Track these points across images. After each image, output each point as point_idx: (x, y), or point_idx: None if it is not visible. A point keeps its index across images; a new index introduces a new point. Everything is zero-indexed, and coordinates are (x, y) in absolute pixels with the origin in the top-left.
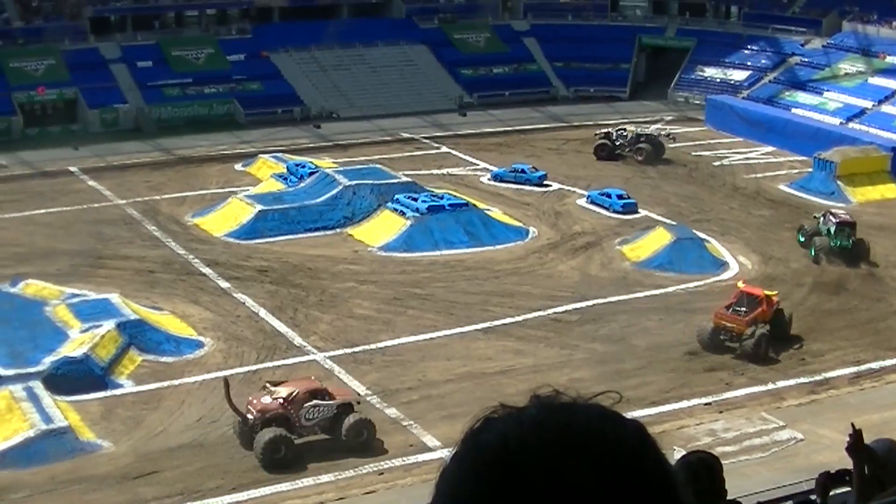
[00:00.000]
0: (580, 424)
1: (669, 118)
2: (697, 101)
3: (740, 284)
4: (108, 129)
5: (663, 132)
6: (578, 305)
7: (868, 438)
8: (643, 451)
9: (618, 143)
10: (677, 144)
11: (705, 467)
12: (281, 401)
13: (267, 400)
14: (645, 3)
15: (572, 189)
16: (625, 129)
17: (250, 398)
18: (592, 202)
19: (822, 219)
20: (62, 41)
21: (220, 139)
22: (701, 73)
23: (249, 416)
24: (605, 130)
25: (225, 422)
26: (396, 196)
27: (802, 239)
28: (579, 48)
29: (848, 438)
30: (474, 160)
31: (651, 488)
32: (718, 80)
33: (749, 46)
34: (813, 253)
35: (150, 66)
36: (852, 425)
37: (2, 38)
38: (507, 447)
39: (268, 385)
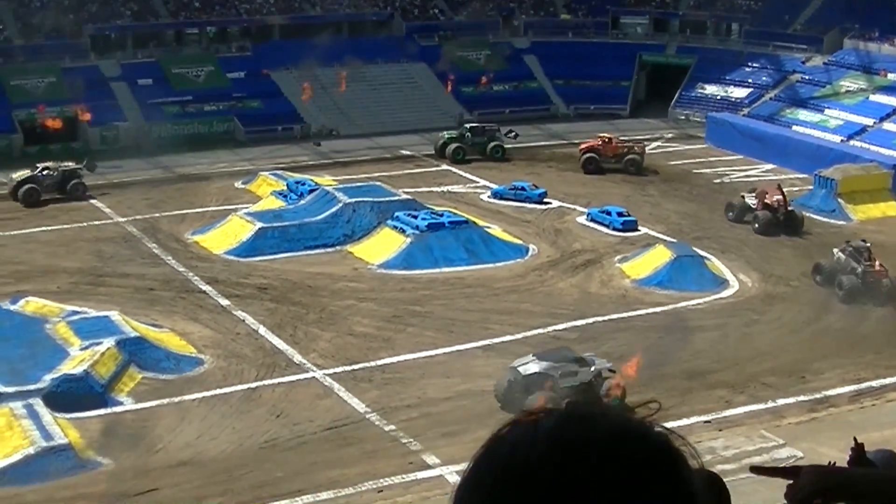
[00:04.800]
0: (597, 437)
1: (670, 135)
2: (698, 119)
3: None
4: (109, 146)
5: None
6: (578, 323)
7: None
8: (662, 467)
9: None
10: (678, 162)
11: (710, 484)
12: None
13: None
14: (646, 20)
15: (572, 207)
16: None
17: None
18: (592, 220)
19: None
20: (62, 59)
21: (220, 157)
22: (701, 91)
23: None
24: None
25: (225, 439)
26: (396, 214)
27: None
28: (580, 66)
29: (850, 453)
30: (474, 178)
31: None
32: (719, 97)
33: (750, 64)
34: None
35: (150, 84)
36: (854, 439)
37: (2, 55)
38: (515, 460)
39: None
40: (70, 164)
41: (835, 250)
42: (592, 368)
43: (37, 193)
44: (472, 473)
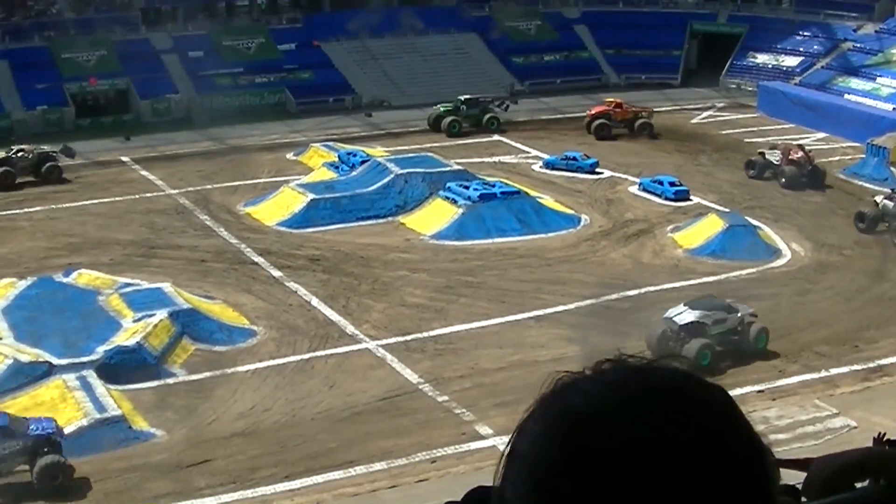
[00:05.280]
0: (668, 387)
1: (721, 105)
2: (750, 88)
3: None
4: (160, 118)
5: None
6: (631, 293)
7: None
8: (733, 416)
9: None
10: (730, 131)
11: None
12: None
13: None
14: None
15: (624, 176)
16: None
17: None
18: (644, 189)
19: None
20: (114, 32)
21: (271, 128)
22: (753, 60)
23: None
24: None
25: (278, 410)
26: (448, 184)
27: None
28: (630, 35)
29: None
30: (525, 148)
31: (747, 454)
32: (770, 66)
33: (801, 32)
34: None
35: (201, 56)
36: None
37: (54, 29)
38: (594, 410)
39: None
40: (45, 147)
41: (877, 198)
42: (738, 314)
43: (12, 176)
44: (541, 422)
